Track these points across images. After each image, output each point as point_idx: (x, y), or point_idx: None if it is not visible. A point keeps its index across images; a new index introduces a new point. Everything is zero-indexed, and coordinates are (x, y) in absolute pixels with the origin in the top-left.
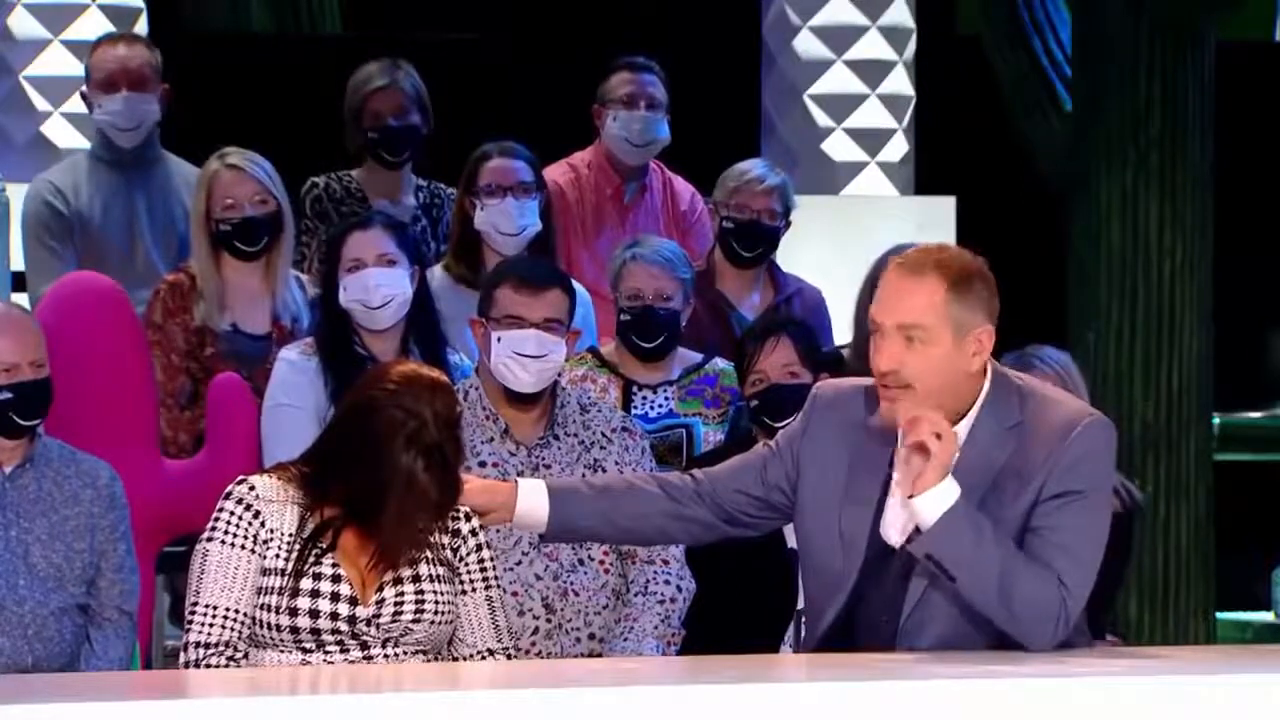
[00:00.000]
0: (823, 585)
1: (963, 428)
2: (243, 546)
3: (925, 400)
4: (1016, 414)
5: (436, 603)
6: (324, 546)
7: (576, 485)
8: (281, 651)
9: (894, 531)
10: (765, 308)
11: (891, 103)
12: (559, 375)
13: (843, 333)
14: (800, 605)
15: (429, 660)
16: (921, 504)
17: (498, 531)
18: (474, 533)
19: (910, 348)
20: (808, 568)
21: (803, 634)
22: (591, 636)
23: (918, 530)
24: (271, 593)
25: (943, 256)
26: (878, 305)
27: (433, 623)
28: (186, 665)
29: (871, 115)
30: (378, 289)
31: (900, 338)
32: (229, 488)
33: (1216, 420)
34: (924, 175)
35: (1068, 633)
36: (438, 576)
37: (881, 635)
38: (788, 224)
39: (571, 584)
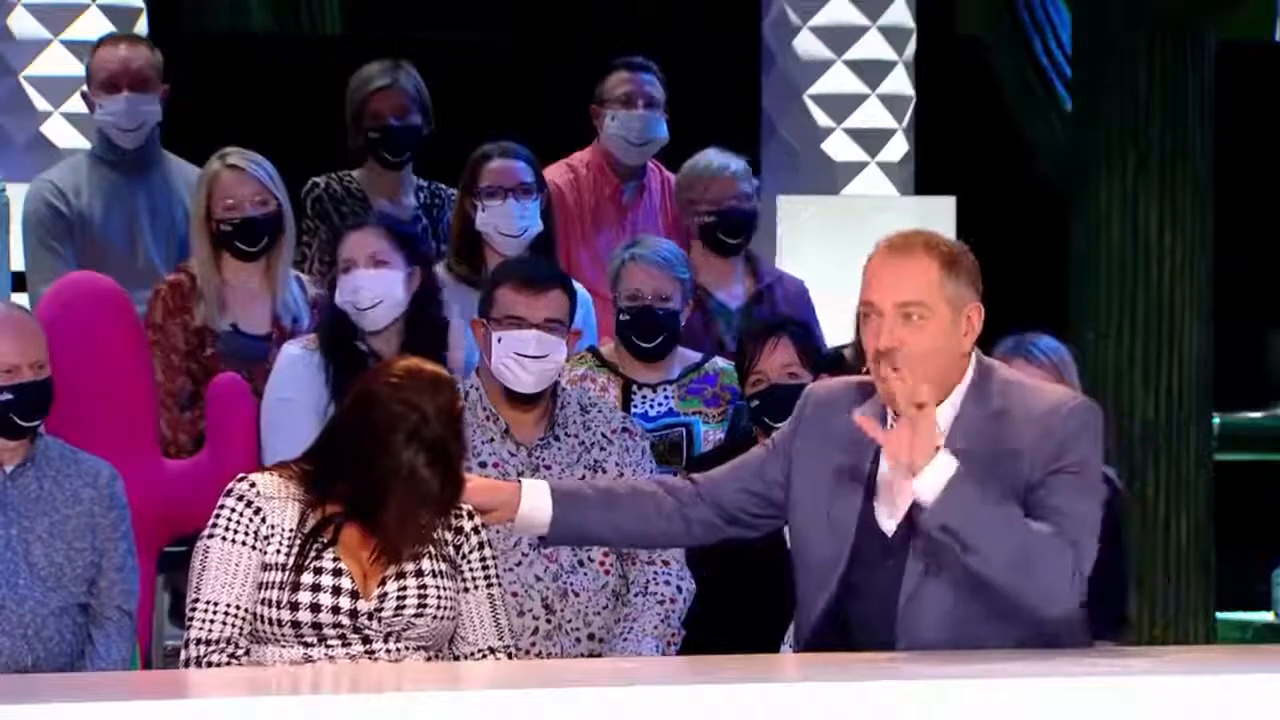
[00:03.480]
0: (813, 577)
1: (945, 413)
2: (244, 543)
3: (925, 379)
4: (998, 401)
5: (439, 598)
6: (325, 541)
7: (580, 488)
8: (283, 646)
9: (887, 517)
10: (747, 297)
11: (891, 103)
12: (559, 375)
13: (830, 325)
14: None
15: (430, 656)
16: (921, 482)
17: (497, 531)
18: (476, 530)
19: (910, 326)
20: (799, 561)
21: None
22: (591, 637)
23: (919, 510)
24: (272, 587)
25: (928, 237)
26: (871, 288)
27: (434, 618)
28: (187, 662)
29: (871, 115)
30: (367, 290)
31: (899, 316)
32: (230, 485)
33: (1216, 420)
34: (924, 175)
35: (1081, 595)
36: (440, 572)
37: (878, 626)
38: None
39: (571, 585)
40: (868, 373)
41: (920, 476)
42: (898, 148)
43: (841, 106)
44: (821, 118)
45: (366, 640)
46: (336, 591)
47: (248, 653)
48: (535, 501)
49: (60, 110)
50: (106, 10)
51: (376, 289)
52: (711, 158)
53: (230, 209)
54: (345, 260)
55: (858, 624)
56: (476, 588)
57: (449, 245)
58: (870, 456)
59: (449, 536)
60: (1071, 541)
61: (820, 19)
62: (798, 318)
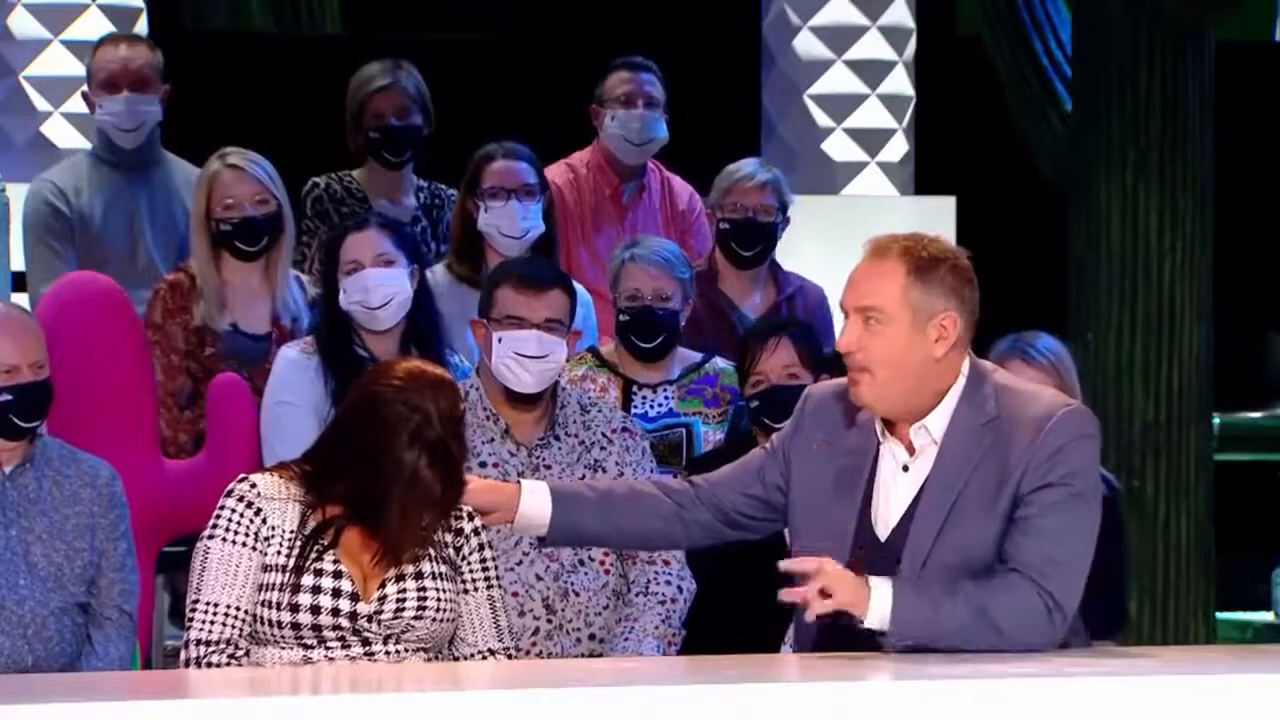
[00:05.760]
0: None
1: (937, 422)
2: (244, 544)
3: (886, 384)
4: (992, 408)
5: (438, 600)
6: (325, 544)
7: (579, 489)
8: (282, 648)
9: (882, 522)
10: (767, 307)
11: (891, 103)
12: (559, 375)
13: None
14: None
15: (429, 658)
16: (870, 618)
17: (498, 532)
18: (476, 532)
19: (868, 330)
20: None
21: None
22: (592, 637)
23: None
24: (273, 589)
25: (910, 242)
26: (844, 291)
27: (434, 620)
28: (187, 663)
29: (871, 115)
30: (377, 289)
31: (859, 320)
32: (230, 485)
33: (1216, 420)
34: (924, 175)
35: (1066, 628)
36: (440, 575)
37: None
38: (786, 220)
39: (572, 584)
40: None
41: (868, 616)
42: (898, 148)
43: (841, 106)
44: (821, 118)
45: (366, 642)
46: (336, 594)
47: (247, 654)
48: (534, 503)
49: (60, 110)
50: (106, 10)
51: (386, 288)
52: (742, 165)
53: (230, 209)
54: (350, 262)
55: (857, 625)
56: (476, 589)
57: (450, 245)
58: (869, 460)
59: (449, 538)
60: (1043, 587)
61: (820, 19)
62: (804, 320)
